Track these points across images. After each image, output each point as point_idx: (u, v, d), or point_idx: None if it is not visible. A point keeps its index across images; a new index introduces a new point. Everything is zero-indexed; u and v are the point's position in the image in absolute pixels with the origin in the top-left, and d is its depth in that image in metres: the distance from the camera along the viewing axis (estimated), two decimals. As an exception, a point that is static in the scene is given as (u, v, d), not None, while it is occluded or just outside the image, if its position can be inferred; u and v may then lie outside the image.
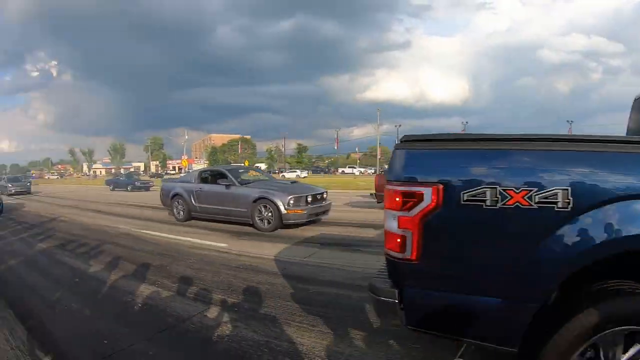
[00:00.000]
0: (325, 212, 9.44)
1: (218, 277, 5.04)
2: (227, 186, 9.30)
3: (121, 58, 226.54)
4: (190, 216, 9.99)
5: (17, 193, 27.31)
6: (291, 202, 8.33)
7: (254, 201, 8.68)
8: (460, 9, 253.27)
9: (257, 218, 8.60)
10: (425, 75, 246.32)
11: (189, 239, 7.93)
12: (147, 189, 31.00)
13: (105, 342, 3.27)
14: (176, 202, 10.25)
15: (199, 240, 7.70)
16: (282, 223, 8.38)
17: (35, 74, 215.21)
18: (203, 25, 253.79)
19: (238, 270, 5.38)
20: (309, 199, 8.72)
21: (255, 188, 9.14)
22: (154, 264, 5.85)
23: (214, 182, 9.74)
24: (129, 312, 4.01)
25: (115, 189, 31.43)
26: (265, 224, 8.52)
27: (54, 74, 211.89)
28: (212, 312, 3.93)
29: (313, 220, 8.99)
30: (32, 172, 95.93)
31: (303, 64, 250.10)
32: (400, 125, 62.66)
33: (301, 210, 8.46)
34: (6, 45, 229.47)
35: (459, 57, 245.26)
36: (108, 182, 34.97)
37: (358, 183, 27.25)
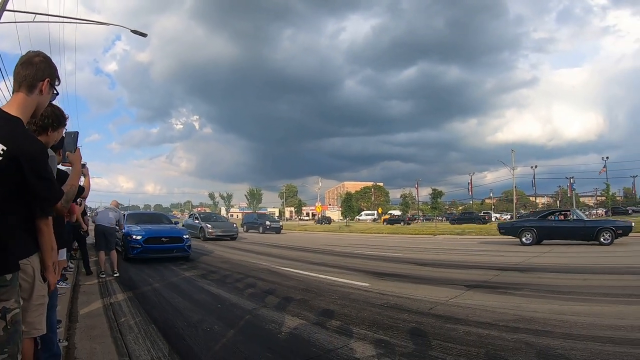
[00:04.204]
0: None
1: (362, 314, 4.91)
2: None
3: (256, 113, 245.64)
4: None
5: (219, 238, 20.29)
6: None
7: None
8: (584, 36, 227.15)
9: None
10: (556, 112, 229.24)
11: (329, 277, 7.90)
12: (278, 231, 29.01)
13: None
14: None
15: (339, 279, 7.62)
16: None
17: (179, 127, 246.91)
18: (332, 79, 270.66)
19: (382, 308, 5.21)
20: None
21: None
22: (296, 298, 5.93)
23: None
24: (272, 339, 4.02)
25: (249, 230, 31.21)
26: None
27: (196, 127, 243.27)
28: (358, 346, 3.71)
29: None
30: (173, 212, 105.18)
31: (429, 111, 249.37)
32: (536, 167, 56.57)
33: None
34: (155, 102, 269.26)
35: (589, 88, 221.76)
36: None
37: (492, 228, 25.19)
